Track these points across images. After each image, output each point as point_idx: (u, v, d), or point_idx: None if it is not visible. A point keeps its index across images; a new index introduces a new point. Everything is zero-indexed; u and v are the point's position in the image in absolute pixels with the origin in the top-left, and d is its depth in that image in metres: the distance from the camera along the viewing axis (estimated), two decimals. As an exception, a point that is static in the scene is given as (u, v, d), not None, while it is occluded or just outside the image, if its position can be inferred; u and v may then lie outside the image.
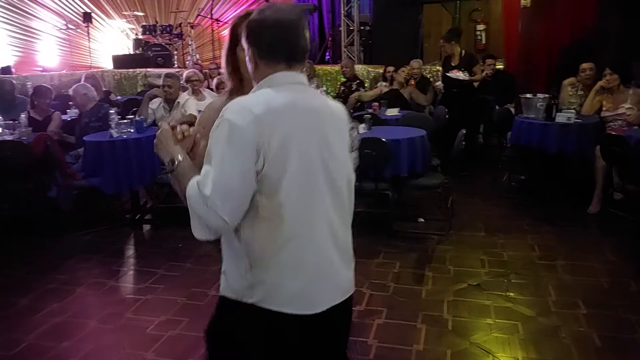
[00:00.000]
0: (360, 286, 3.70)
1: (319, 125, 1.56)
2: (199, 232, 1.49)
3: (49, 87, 6.41)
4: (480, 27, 9.42)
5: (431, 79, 7.53)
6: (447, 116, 6.05)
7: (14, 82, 7.27)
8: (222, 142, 1.44)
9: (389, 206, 4.69)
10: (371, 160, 4.46)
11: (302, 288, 1.54)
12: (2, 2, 10.50)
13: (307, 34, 1.59)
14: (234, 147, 1.43)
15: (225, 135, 1.44)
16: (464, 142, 5.11)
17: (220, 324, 1.64)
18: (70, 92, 5.94)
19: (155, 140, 1.63)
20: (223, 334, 1.62)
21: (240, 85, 1.98)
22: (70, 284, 3.91)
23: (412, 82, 6.97)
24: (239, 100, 1.51)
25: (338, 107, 1.70)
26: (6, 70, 9.95)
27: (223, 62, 2.02)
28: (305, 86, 1.61)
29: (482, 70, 6.62)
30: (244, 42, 1.59)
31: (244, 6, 11.71)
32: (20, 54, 10.87)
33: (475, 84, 6.48)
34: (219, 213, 1.42)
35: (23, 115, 5.59)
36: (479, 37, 9.39)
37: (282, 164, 1.47)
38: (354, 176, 1.71)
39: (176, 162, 1.55)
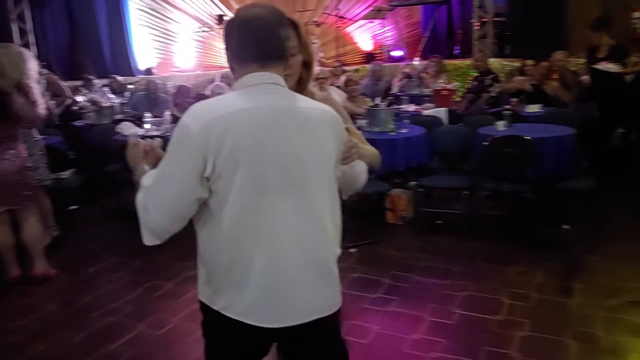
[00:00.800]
0: (498, 294, 3.50)
1: (281, 128, 1.46)
2: (145, 237, 1.49)
3: (190, 86, 6.80)
4: (637, 14, 8.51)
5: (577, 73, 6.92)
6: (598, 113, 5.52)
7: (158, 82, 7.85)
8: (172, 144, 1.44)
9: (529, 210, 4.37)
10: (511, 160, 4.19)
11: (258, 302, 1.48)
12: (146, 8, 11.37)
13: (284, 33, 1.52)
14: (180, 151, 1.41)
15: (175, 137, 1.43)
16: (618, 143, 4.63)
17: (203, 325, 1.63)
18: (208, 91, 6.26)
19: (127, 151, 1.68)
20: (204, 334, 1.64)
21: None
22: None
23: (555, 77, 6.46)
24: (199, 104, 1.48)
25: (320, 109, 1.57)
26: (149, 71, 10.79)
27: None
28: (277, 86, 1.52)
29: (637, 63, 5.96)
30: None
31: (371, 1, 11.66)
32: (161, 55, 11.71)
33: (629, 78, 5.84)
34: (154, 216, 1.43)
35: (167, 113, 5.97)
36: (635, 26, 8.49)
37: (232, 171, 1.41)
38: (334, 180, 1.59)
39: (136, 175, 1.61)
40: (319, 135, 1.53)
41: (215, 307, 1.52)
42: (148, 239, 1.50)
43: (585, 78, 6.25)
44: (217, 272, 1.50)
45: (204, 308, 1.57)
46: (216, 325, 1.56)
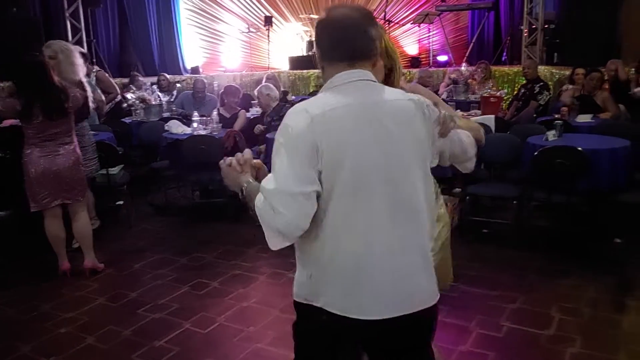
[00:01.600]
0: (548, 308, 3.41)
1: (379, 123, 1.50)
2: (273, 242, 1.50)
3: (238, 87, 6.86)
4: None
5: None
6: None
7: (205, 80, 7.97)
8: (282, 147, 1.46)
9: (581, 222, 4.24)
10: (564, 171, 4.07)
11: (365, 295, 1.50)
12: (195, 8, 11.57)
13: (373, 32, 1.54)
14: (293, 149, 1.45)
15: (284, 140, 1.47)
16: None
17: (296, 326, 1.65)
18: (255, 92, 6.30)
19: (222, 176, 1.67)
20: (297, 335, 1.65)
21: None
22: (253, 272, 4.13)
23: (606, 86, 6.25)
24: (298, 105, 1.52)
25: (410, 99, 1.60)
26: (195, 70, 10.95)
27: None
28: (368, 82, 1.55)
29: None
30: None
31: (417, 6, 11.57)
32: (208, 55, 11.89)
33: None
34: (284, 213, 1.43)
35: (215, 112, 6.05)
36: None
37: (337, 165, 1.46)
38: (428, 170, 1.62)
39: (243, 190, 1.59)
40: (414, 124, 1.57)
41: (317, 304, 1.54)
42: (275, 243, 1.51)
43: (638, 90, 6.01)
44: (320, 269, 1.53)
45: (301, 308, 1.60)
46: (315, 324, 1.57)
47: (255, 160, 1.67)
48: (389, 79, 1.99)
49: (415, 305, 1.55)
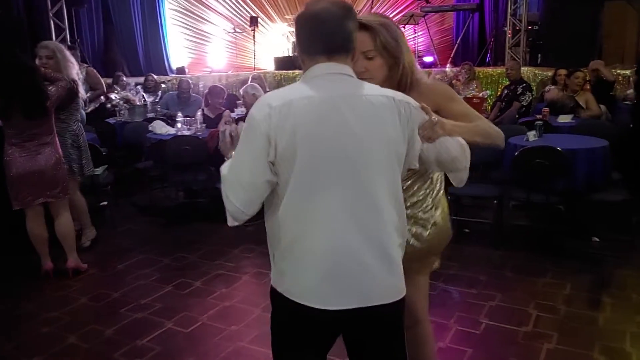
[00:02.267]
0: (525, 305, 3.47)
1: (341, 116, 1.51)
2: (228, 219, 1.60)
3: (223, 87, 6.88)
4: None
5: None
6: (631, 125, 5.42)
7: (190, 81, 7.97)
8: (242, 134, 1.55)
9: (559, 221, 4.31)
10: (543, 171, 4.14)
11: (317, 285, 1.52)
12: (180, 8, 11.55)
13: (352, 26, 1.56)
14: (249, 139, 1.52)
15: (245, 128, 1.54)
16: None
17: (272, 313, 1.68)
18: (241, 91, 6.32)
19: (219, 143, 1.78)
20: (272, 324, 1.68)
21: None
22: (236, 272, 4.15)
23: (587, 87, 6.35)
24: (266, 95, 1.58)
25: (384, 95, 1.59)
26: (181, 70, 10.94)
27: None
28: (344, 76, 1.57)
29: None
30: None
31: (402, 7, 11.64)
32: (193, 55, 11.87)
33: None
34: (232, 201, 1.54)
35: (199, 113, 6.06)
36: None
37: (291, 156, 1.48)
38: (400, 166, 1.61)
39: (226, 162, 1.67)
40: (384, 121, 1.56)
41: (279, 290, 1.59)
42: (230, 221, 1.61)
43: (630, 93, 6.05)
44: (279, 255, 1.59)
45: (273, 294, 1.63)
46: (282, 309, 1.62)
47: None
48: (393, 76, 1.92)
49: (372, 299, 1.55)
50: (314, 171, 1.49)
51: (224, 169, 1.60)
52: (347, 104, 1.53)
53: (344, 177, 1.51)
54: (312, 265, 1.52)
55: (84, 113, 4.62)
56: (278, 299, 1.61)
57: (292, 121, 1.47)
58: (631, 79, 6.48)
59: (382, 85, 1.69)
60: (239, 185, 1.54)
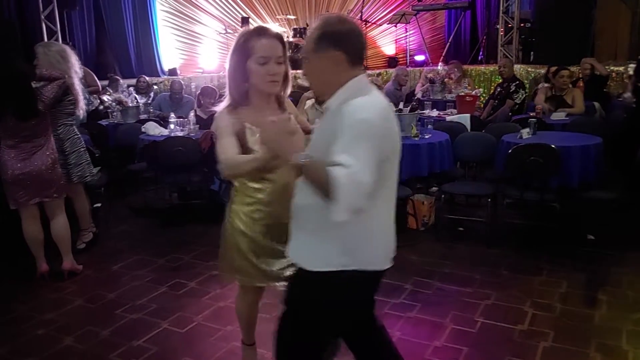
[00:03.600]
0: (521, 304, 3.48)
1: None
2: (340, 214, 1.62)
3: (215, 88, 6.86)
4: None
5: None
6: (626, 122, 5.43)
7: (182, 82, 7.94)
8: (357, 136, 1.64)
9: (554, 219, 4.32)
10: (537, 168, 4.15)
11: (388, 254, 1.94)
12: (172, 9, 11.49)
13: None
14: (372, 143, 1.66)
15: (365, 132, 1.66)
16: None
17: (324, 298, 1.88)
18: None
19: (270, 142, 1.77)
20: (323, 309, 1.89)
21: (246, 97, 2.19)
22: (231, 273, 4.12)
23: (580, 84, 6.37)
24: (362, 102, 1.72)
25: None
26: (173, 71, 10.88)
27: (232, 72, 2.22)
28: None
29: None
30: (321, 48, 1.77)
31: (394, 6, 11.65)
32: (185, 56, 11.81)
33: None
34: (363, 195, 1.64)
35: (191, 114, 6.04)
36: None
37: (390, 153, 1.78)
38: None
39: (299, 162, 1.68)
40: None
41: (350, 268, 1.79)
42: (342, 216, 1.63)
43: (628, 96, 6.04)
44: (350, 236, 1.79)
45: (330, 277, 1.80)
46: (350, 286, 1.84)
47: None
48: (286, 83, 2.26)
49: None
50: (391, 163, 1.82)
51: (362, 174, 1.62)
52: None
53: (397, 168, 1.88)
54: (386, 237, 1.91)
55: (80, 116, 4.55)
56: (341, 278, 1.80)
57: (389, 125, 1.80)
58: (628, 80, 6.48)
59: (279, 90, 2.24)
60: (368, 184, 1.64)
